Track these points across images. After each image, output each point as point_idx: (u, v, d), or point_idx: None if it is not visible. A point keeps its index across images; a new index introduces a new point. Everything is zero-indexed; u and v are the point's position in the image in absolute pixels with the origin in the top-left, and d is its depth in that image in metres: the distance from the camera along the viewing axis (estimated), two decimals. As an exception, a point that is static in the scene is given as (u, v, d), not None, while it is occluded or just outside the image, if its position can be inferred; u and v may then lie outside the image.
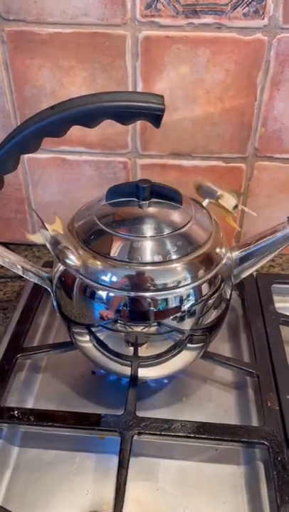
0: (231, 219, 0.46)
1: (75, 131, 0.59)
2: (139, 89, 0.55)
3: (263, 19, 0.49)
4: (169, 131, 0.58)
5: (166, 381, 0.49)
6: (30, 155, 0.61)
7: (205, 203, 0.46)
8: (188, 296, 0.40)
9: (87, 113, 0.34)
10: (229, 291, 0.45)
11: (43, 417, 0.42)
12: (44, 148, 0.60)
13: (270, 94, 0.54)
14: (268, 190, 0.62)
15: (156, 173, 0.61)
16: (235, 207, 0.45)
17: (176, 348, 0.43)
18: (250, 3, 0.48)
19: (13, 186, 0.65)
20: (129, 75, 0.54)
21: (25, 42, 0.53)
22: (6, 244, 0.70)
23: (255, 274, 0.60)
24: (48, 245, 0.39)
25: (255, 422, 0.45)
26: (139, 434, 0.41)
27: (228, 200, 0.45)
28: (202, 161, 0.60)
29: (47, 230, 0.39)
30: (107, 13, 0.50)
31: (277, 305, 0.56)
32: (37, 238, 0.41)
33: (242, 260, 0.45)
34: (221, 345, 0.54)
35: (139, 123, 0.57)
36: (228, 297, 0.45)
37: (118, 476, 0.38)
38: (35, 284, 0.56)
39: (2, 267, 0.67)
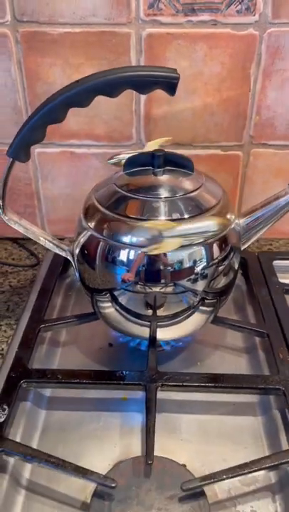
0: None
1: (83, 125, 0.64)
2: (143, 82, 0.59)
3: (254, 15, 0.55)
4: (171, 122, 0.62)
5: (181, 344, 0.52)
6: (40, 149, 0.65)
7: None
8: (201, 257, 0.44)
9: (109, 83, 0.38)
10: (237, 260, 0.48)
11: (70, 375, 0.44)
12: (53, 142, 0.64)
13: (262, 85, 0.59)
14: (264, 176, 0.66)
15: (159, 162, 0.65)
16: None
17: (190, 309, 0.46)
18: (242, 1, 0.54)
19: (24, 181, 0.68)
20: (133, 70, 0.59)
21: (37, 42, 0.57)
22: (15, 240, 0.74)
23: (257, 252, 0.64)
24: None
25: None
26: (162, 385, 0.43)
27: None
28: (202, 149, 0.64)
29: None
30: (114, 13, 0.55)
31: (280, 279, 0.59)
32: None
33: (248, 226, 0.48)
34: (229, 316, 0.57)
35: (142, 114, 0.61)
36: (236, 267, 0.49)
37: (147, 421, 0.40)
38: (48, 269, 0.60)
39: (14, 258, 0.70)
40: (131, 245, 0.42)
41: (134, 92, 0.58)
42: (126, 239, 0.42)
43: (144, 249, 0.42)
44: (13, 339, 0.50)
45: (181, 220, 0.42)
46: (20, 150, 0.41)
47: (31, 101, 0.61)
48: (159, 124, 0.62)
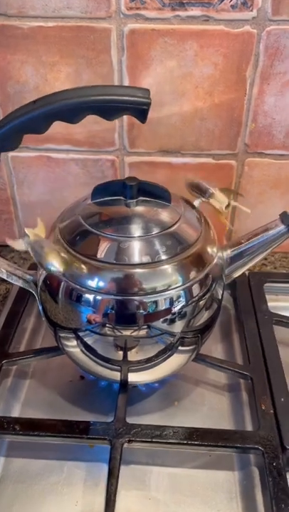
0: (223, 217, 0.44)
1: (61, 128, 0.57)
2: (126, 84, 0.53)
3: (251, 11, 0.48)
4: (157, 128, 0.56)
5: (157, 385, 0.48)
6: (13, 153, 0.59)
7: (196, 202, 0.44)
8: (179, 298, 0.39)
9: (70, 108, 0.32)
10: (221, 291, 0.44)
11: (29, 425, 0.41)
12: (28, 146, 0.59)
13: (259, 89, 0.53)
14: (260, 187, 0.60)
15: (144, 171, 0.59)
16: (228, 206, 0.44)
17: (167, 351, 0.42)
18: (238, -6, 0.47)
19: (-2, 186, 0.63)
20: (114, 70, 0.52)
21: (6, 37, 0.51)
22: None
23: (247, 272, 0.59)
24: (30, 251, 0.38)
25: (249, 426, 0.44)
26: (129, 441, 0.40)
27: (220, 199, 0.44)
28: (192, 158, 0.58)
29: (28, 236, 0.37)
30: (91, 6, 0.49)
31: (270, 304, 0.55)
32: (19, 245, 0.39)
33: (233, 259, 0.43)
34: (213, 345, 0.53)
35: (125, 119, 0.55)
36: (220, 297, 0.44)
37: (108, 486, 0.37)
38: (21, 287, 0.55)
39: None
40: (96, 291, 0.37)
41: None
42: (91, 283, 0.37)
43: None
44: (-29, 378, 0.46)
45: (156, 263, 0.37)
46: None
47: (2, 101, 0.55)
48: (143, 129, 0.56)
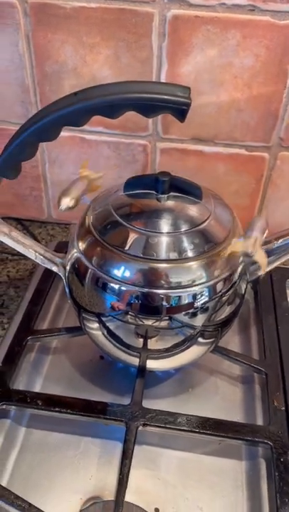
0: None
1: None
2: (164, 70, 0.53)
3: (299, 3, 0.46)
4: (192, 116, 0.55)
5: (173, 371, 0.50)
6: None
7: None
8: (202, 293, 0.40)
9: (109, 104, 0.33)
10: (244, 287, 0.44)
11: (50, 401, 0.43)
12: (63, 126, 0.59)
13: (300, 83, 0.52)
14: (290, 181, 0.60)
15: (175, 157, 0.59)
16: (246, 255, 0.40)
17: (187, 342, 0.43)
18: (287, -15, 0.45)
19: (30, 163, 0.63)
20: (154, 56, 0.52)
21: (48, 15, 0.51)
22: (20, 221, 0.71)
23: (270, 267, 0.59)
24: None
25: (260, 420, 0.45)
26: (144, 425, 0.41)
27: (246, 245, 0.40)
28: (224, 147, 0.58)
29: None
30: (135, -11, 0.48)
31: (291, 300, 0.55)
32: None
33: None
34: (231, 337, 0.54)
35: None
36: (243, 292, 0.45)
37: (121, 466, 0.39)
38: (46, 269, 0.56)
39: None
40: (121, 281, 0.38)
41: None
42: (117, 273, 0.38)
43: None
44: (-2, 350, 0.48)
45: (182, 260, 0.38)
46: (7, 167, 0.37)
47: (40, 80, 0.56)
48: (178, 117, 0.56)
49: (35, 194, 0.67)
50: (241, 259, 0.41)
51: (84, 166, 0.45)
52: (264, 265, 0.41)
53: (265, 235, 0.40)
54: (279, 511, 0.37)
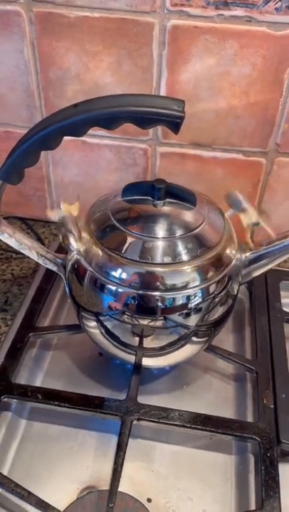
0: (248, 235, 0.45)
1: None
2: (164, 78, 0.54)
3: (295, 15, 0.48)
4: (191, 121, 0.57)
5: (168, 368, 0.52)
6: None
7: (228, 213, 0.46)
8: (196, 295, 0.42)
9: (107, 116, 0.35)
10: (236, 288, 0.46)
11: (50, 395, 0.45)
12: (66, 129, 0.61)
13: (296, 91, 0.53)
14: (287, 186, 0.61)
15: (175, 161, 0.61)
16: (256, 224, 0.45)
17: (181, 341, 0.45)
18: (283, -3, 0.47)
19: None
20: (154, 63, 0.53)
21: (52, 24, 0.53)
22: (24, 220, 0.73)
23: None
24: (57, 224, 0.42)
25: (250, 416, 0.47)
26: (138, 419, 0.44)
27: (250, 217, 0.45)
28: (222, 152, 0.60)
29: (60, 209, 0.41)
30: (137, 0, 0.49)
31: (284, 301, 0.57)
32: (53, 214, 0.43)
33: (252, 262, 0.45)
34: (225, 336, 0.56)
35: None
36: (235, 293, 0.47)
37: (116, 457, 0.41)
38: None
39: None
40: (118, 283, 0.40)
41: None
42: (114, 276, 0.40)
43: None
44: (0, 348, 0.50)
45: (176, 264, 0.40)
46: (11, 173, 0.39)
47: (44, 86, 0.58)
48: (177, 122, 0.57)
49: (39, 194, 0.69)
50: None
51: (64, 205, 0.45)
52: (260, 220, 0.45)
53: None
54: (264, 503, 0.39)
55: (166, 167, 0.62)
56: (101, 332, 0.46)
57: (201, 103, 0.56)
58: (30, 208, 0.71)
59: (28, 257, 0.66)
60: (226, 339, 0.55)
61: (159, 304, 0.41)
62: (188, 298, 0.41)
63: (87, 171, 0.64)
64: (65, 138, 0.61)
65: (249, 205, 0.45)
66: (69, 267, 0.45)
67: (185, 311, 0.42)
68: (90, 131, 0.60)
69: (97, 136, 0.61)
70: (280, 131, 0.56)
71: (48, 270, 0.59)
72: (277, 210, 0.64)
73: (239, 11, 0.49)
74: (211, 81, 0.54)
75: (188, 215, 0.42)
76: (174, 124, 0.34)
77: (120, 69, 0.55)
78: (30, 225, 0.72)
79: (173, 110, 0.34)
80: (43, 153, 0.64)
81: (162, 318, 0.42)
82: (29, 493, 0.38)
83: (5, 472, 0.42)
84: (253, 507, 0.40)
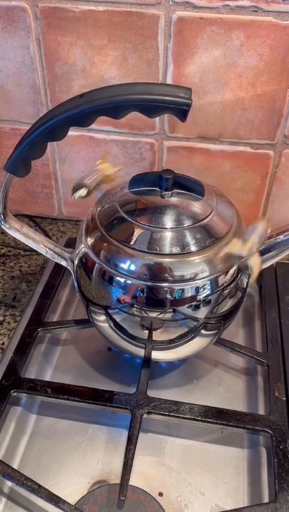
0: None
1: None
2: (170, 71, 0.54)
3: (302, 3, 0.48)
4: (198, 115, 0.57)
5: (178, 363, 0.51)
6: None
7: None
8: (205, 287, 0.41)
9: (113, 105, 0.34)
10: (246, 281, 0.46)
11: (59, 390, 0.45)
12: (72, 125, 0.61)
13: (304, 82, 0.53)
14: (295, 178, 0.61)
15: (182, 155, 0.61)
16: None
17: (190, 334, 0.44)
18: (289, -14, 0.47)
19: (41, 161, 0.66)
20: (160, 56, 0.53)
21: (57, 19, 0.53)
22: (31, 217, 0.73)
23: (274, 263, 0.60)
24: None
25: (261, 409, 0.47)
26: (148, 413, 0.43)
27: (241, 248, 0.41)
28: (229, 145, 0.59)
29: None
30: (142, -8, 0.49)
31: (294, 294, 0.56)
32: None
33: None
34: (235, 330, 0.55)
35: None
36: (245, 286, 0.46)
37: (126, 451, 0.40)
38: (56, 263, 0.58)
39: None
40: (127, 275, 0.40)
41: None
42: (123, 268, 0.40)
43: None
44: (9, 343, 0.50)
45: (185, 254, 0.40)
46: (18, 166, 0.38)
47: (50, 81, 0.58)
48: (184, 115, 0.57)
49: (46, 191, 0.69)
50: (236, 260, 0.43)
51: (104, 157, 0.46)
52: (255, 272, 0.43)
53: (263, 239, 0.42)
54: (277, 496, 0.38)
55: (174, 161, 0.61)
56: (110, 326, 0.45)
57: (207, 95, 0.55)
58: (37, 206, 0.71)
59: (36, 254, 0.66)
60: (236, 333, 0.55)
61: (168, 295, 0.41)
62: (197, 289, 0.41)
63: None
64: (72, 133, 0.62)
65: (252, 240, 0.42)
66: (77, 260, 0.45)
67: (194, 303, 0.42)
68: (97, 126, 0.61)
69: (103, 132, 0.61)
70: (287, 123, 0.56)
71: (56, 266, 0.60)
72: (285, 203, 0.64)
73: (245, 1, 0.48)
74: (217, 73, 0.53)
75: (196, 206, 0.42)
76: (181, 111, 0.34)
77: (126, 62, 0.54)
78: (38, 223, 0.72)
79: (180, 98, 0.33)
80: (49, 150, 0.65)
81: (171, 310, 0.42)
82: (40, 486, 0.38)
83: (15, 467, 0.42)
84: (266, 500, 0.40)
